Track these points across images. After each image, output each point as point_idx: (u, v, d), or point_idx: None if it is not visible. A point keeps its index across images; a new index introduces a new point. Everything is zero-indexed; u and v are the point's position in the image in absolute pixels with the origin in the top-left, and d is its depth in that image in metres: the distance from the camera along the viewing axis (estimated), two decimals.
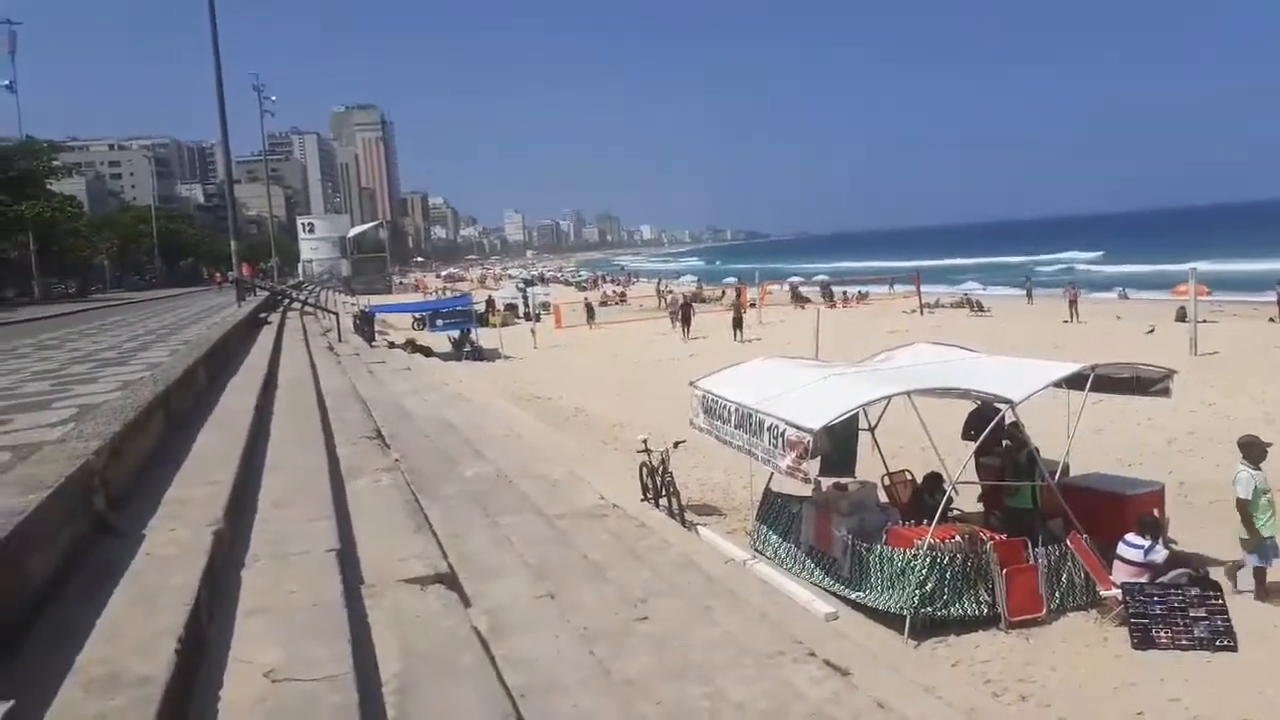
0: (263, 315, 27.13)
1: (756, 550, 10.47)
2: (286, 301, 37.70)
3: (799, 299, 51.86)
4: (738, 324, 36.41)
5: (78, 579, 3.79)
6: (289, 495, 5.90)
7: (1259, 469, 8.96)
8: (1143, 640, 8.01)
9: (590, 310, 47.48)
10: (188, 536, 4.42)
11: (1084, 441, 11.05)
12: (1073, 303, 37.80)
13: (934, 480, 10.79)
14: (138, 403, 6.46)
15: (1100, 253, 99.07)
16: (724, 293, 59.92)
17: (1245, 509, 8.86)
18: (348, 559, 4.76)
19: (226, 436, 7.26)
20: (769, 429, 9.56)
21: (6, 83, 66.64)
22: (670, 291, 59.72)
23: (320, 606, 3.88)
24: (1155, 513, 9.59)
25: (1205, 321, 27.07)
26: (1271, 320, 32.92)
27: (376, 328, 35.03)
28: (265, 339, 19.22)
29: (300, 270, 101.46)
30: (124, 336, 16.66)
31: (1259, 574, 8.88)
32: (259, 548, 4.80)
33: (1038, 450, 9.99)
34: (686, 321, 37.89)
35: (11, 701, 2.53)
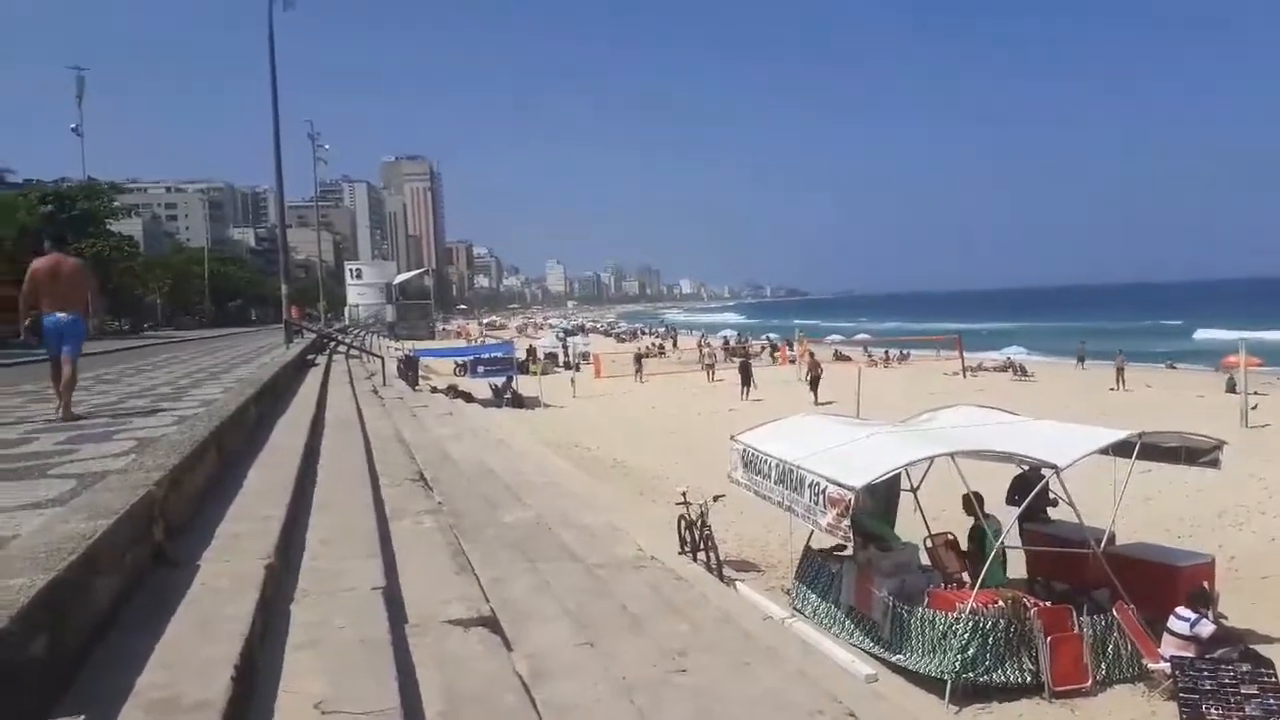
0: (310, 357, 27.56)
1: (795, 609, 10.37)
2: (333, 344, 38.29)
3: (839, 357, 51.71)
4: (815, 383, 33.13)
5: (137, 605, 3.88)
6: (336, 533, 5.99)
7: None
8: (1193, 716, 7.79)
9: (638, 361, 46.17)
10: (241, 569, 4.51)
11: (1131, 511, 10.87)
12: (1120, 371, 37.43)
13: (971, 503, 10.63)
14: (194, 437, 6.63)
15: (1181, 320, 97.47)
16: (763, 349, 59.76)
17: None
18: (393, 598, 4.83)
19: (276, 474, 7.39)
20: (810, 485, 9.53)
21: (74, 126, 69.44)
22: (709, 346, 57.53)
23: (367, 643, 3.93)
24: (1205, 586, 9.38)
25: (1256, 393, 26.52)
26: None
27: (420, 372, 35.41)
28: (313, 380, 19.52)
29: (346, 314, 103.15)
30: (178, 373, 17.03)
31: None
32: (308, 583, 4.88)
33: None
34: (747, 381, 35.37)
35: (82, 716, 2.61)
